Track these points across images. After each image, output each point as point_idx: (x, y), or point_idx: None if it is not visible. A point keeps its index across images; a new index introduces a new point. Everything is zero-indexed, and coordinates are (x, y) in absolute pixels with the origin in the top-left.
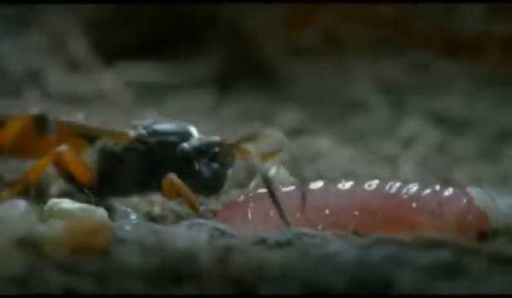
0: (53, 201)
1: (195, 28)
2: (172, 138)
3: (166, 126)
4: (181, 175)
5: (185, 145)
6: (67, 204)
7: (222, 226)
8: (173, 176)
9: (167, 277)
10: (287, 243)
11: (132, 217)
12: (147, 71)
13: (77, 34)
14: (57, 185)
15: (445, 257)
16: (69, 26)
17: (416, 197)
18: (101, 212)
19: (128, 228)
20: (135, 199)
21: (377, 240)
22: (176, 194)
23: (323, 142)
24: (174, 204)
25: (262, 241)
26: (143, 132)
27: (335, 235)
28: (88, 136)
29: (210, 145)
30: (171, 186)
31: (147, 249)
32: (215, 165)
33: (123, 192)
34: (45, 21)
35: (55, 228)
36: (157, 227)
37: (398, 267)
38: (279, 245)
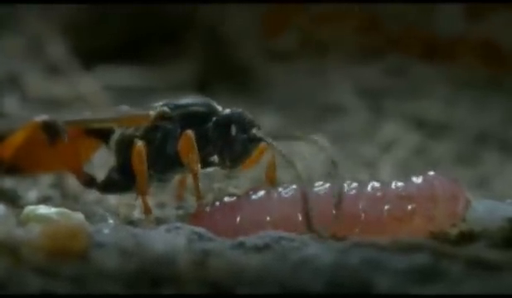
0: (29, 208)
1: (172, 31)
2: (197, 108)
3: (185, 100)
4: (211, 145)
5: (227, 111)
6: (44, 209)
7: (200, 229)
8: (190, 133)
9: (146, 281)
10: (265, 247)
11: (110, 221)
12: (125, 75)
13: (55, 38)
14: (34, 190)
15: (422, 260)
16: (47, 29)
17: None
18: (79, 216)
19: (106, 231)
20: (113, 202)
21: (355, 244)
22: (190, 153)
23: (301, 146)
24: (153, 208)
25: (240, 244)
26: (164, 108)
27: (313, 239)
28: (100, 131)
29: (246, 117)
30: (186, 142)
31: (126, 253)
32: (247, 138)
33: (156, 177)
34: (23, 25)
35: (34, 231)
36: (136, 230)
37: (375, 271)
38: (257, 249)
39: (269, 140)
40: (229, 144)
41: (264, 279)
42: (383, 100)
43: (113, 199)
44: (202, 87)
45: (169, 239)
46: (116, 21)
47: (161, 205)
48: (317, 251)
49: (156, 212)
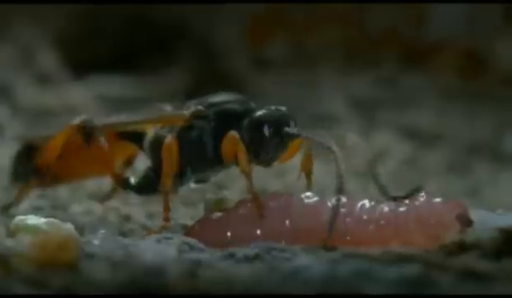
0: (19, 218)
1: (164, 41)
2: (232, 106)
3: (220, 97)
4: (246, 143)
5: (260, 110)
6: (33, 219)
7: (191, 240)
8: (235, 134)
9: (136, 291)
10: (256, 257)
11: (100, 231)
12: (116, 84)
13: (46, 47)
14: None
15: (413, 271)
16: (38, 39)
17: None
18: (68, 226)
19: (96, 242)
20: (103, 212)
21: (346, 254)
22: (234, 155)
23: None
24: (143, 219)
25: (230, 255)
26: (199, 107)
27: (304, 249)
28: (133, 134)
29: (281, 115)
30: (232, 143)
31: (116, 263)
32: (280, 136)
33: (193, 177)
34: (14, 35)
35: (23, 242)
36: (126, 241)
37: (366, 281)
38: (248, 259)
39: (304, 134)
40: (261, 142)
41: (255, 289)
42: (375, 111)
43: (103, 209)
44: (193, 96)
45: (159, 250)
46: (107, 31)
47: (151, 215)
48: (308, 261)
49: (145, 222)
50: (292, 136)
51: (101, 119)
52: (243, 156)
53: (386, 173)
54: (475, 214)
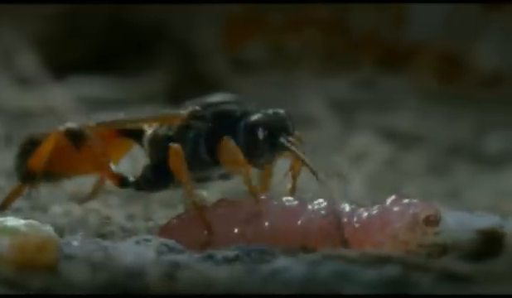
0: None
1: (144, 42)
2: (230, 107)
3: (217, 97)
4: (244, 145)
5: (255, 116)
6: (12, 221)
7: (170, 242)
8: (230, 139)
9: (115, 293)
10: (235, 259)
11: (79, 233)
12: (96, 86)
13: (26, 49)
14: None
15: (393, 273)
16: (18, 41)
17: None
18: (47, 228)
19: (75, 243)
20: (82, 214)
21: (325, 256)
22: (231, 159)
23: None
24: (123, 220)
25: (209, 256)
26: (196, 107)
27: (284, 251)
28: (133, 131)
29: (279, 119)
30: (227, 148)
31: (95, 265)
32: (272, 144)
33: (192, 177)
34: None
35: (2, 244)
36: (105, 243)
37: (345, 283)
38: (227, 260)
39: (296, 151)
40: (256, 146)
41: (234, 291)
42: (353, 112)
43: (82, 210)
44: (173, 98)
45: (138, 251)
46: (87, 33)
47: (131, 217)
48: (287, 263)
49: (125, 224)
50: (281, 148)
51: (99, 117)
52: (238, 158)
53: (365, 175)
54: (454, 216)
